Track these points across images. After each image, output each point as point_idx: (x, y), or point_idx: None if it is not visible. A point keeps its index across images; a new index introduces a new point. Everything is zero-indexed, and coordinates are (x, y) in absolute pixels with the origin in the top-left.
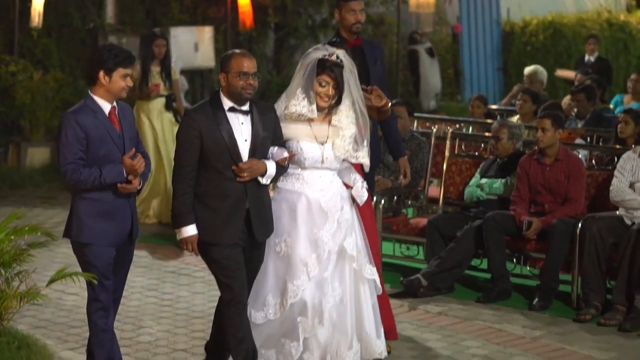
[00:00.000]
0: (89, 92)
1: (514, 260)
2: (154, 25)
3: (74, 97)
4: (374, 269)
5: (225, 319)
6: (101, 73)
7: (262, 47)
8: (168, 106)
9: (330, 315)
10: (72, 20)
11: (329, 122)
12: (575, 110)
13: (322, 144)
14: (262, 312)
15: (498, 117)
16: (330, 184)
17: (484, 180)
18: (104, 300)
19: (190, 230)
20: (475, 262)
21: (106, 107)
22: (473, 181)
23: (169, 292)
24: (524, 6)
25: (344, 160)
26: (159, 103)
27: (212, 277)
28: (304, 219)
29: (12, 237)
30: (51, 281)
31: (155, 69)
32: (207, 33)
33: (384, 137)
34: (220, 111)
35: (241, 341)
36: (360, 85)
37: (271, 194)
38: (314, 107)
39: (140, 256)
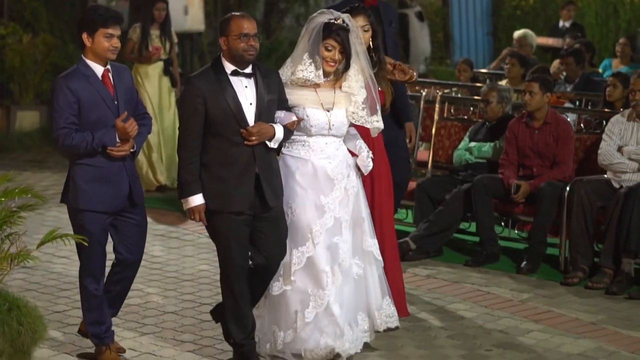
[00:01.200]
0: (82, 56)
1: (502, 223)
2: None
3: (63, 61)
4: (375, 241)
5: (222, 290)
6: (84, 35)
7: (252, 11)
8: (166, 70)
9: (346, 286)
10: None
11: (336, 88)
12: (564, 74)
13: (328, 110)
14: (278, 283)
15: (487, 81)
16: (337, 151)
17: (472, 144)
18: (95, 265)
19: (197, 199)
20: (463, 225)
21: (99, 70)
22: (462, 145)
23: (158, 255)
24: None
25: (350, 126)
26: (158, 67)
27: (201, 240)
28: (310, 185)
29: (3, 199)
30: (42, 243)
31: (154, 33)
32: None
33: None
34: (223, 75)
35: (233, 315)
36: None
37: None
38: (321, 72)
39: None
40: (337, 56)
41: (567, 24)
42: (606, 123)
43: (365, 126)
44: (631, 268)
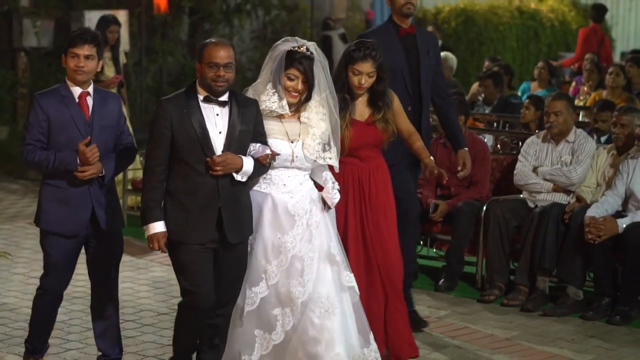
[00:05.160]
0: (65, 77)
1: (421, 242)
2: (68, 8)
3: None
4: (352, 275)
5: (178, 320)
6: (63, 56)
7: (177, 32)
8: (118, 93)
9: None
10: None
11: (299, 119)
12: (483, 95)
13: (293, 142)
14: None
15: None
16: (300, 185)
17: None
18: (51, 288)
19: (158, 227)
20: None
21: (76, 91)
22: None
23: (83, 273)
24: None
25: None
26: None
27: (125, 259)
28: (269, 222)
29: None
30: None
31: (107, 55)
32: (121, 17)
33: (442, 129)
34: (194, 101)
35: (185, 346)
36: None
37: None
38: (285, 102)
39: None
40: (300, 86)
41: None
42: (522, 144)
43: (319, 162)
44: (545, 286)
